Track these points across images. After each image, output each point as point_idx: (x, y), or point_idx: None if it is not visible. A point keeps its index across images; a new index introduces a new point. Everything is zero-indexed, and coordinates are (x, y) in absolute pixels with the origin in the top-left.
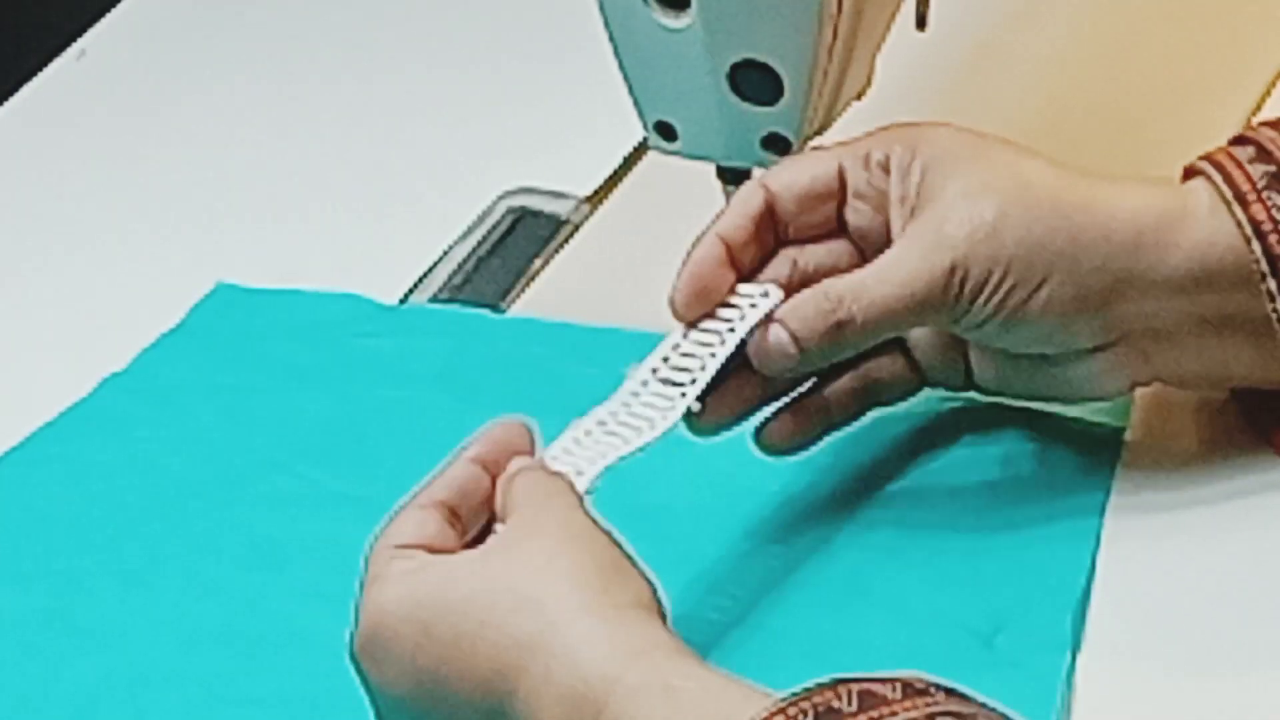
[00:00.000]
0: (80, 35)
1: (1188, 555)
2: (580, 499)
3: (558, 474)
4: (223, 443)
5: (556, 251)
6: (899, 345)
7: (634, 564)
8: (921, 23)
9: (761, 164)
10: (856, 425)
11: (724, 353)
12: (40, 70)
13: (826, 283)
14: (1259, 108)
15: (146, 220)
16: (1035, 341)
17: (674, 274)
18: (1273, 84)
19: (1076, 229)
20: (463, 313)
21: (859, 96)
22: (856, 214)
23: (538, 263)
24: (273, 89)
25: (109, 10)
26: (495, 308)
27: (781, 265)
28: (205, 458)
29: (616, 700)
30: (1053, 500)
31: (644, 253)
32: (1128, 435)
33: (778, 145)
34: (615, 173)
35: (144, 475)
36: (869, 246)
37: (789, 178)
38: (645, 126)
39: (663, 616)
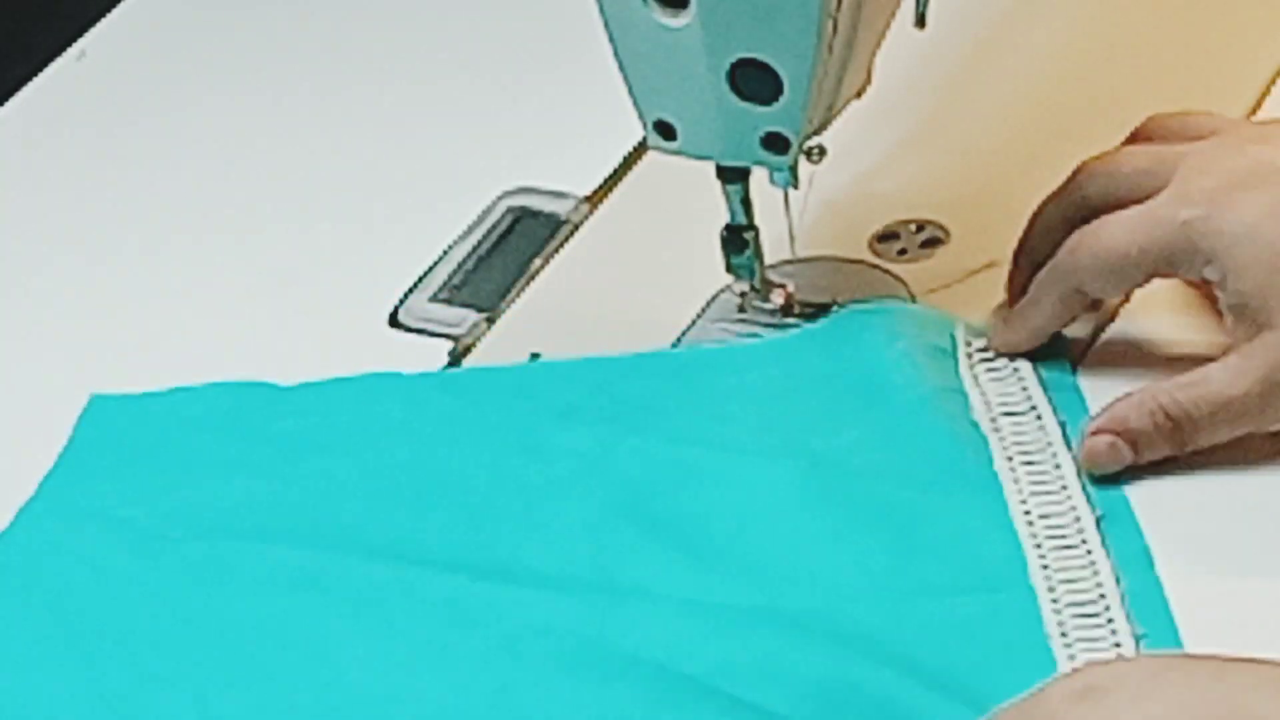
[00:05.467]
0: (80, 35)
1: (1190, 551)
2: None
3: None
4: (184, 534)
5: (556, 251)
6: None
7: None
8: (921, 21)
9: (761, 163)
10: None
11: None
12: (40, 70)
13: (1162, 393)
14: (1258, 107)
15: (147, 219)
16: None
17: (673, 273)
18: (1272, 83)
19: None
20: (374, 377)
21: (858, 95)
22: None
23: (537, 262)
24: (273, 89)
25: (109, 10)
26: (496, 307)
27: None
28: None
29: None
30: None
31: (644, 253)
32: None
33: (777, 144)
34: (615, 172)
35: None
36: None
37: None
38: (644, 126)
39: None
